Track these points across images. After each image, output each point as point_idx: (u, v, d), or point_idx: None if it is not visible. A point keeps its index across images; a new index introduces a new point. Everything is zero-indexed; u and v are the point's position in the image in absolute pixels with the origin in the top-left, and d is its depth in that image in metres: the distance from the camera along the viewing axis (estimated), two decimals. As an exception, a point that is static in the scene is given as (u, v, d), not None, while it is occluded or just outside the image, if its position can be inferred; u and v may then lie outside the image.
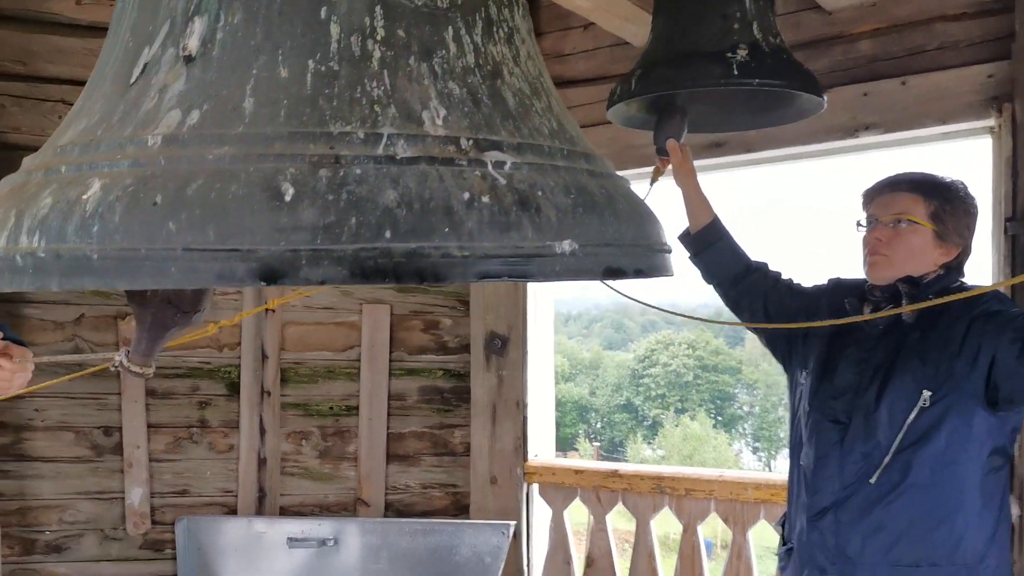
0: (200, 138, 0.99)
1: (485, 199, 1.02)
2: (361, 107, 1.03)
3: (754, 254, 2.42)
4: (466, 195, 1.01)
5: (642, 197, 2.33)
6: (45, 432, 3.50)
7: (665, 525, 3.43)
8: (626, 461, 46.73)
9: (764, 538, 3.30)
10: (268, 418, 3.67)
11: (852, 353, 2.04)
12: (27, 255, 0.96)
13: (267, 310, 3.62)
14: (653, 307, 2.23)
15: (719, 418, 56.85)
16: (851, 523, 1.96)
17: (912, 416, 1.90)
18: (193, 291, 1.44)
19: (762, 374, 57.67)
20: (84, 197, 0.97)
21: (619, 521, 3.48)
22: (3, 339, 1.75)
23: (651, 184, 2.39)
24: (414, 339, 3.81)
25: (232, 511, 3.61)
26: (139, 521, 3.53)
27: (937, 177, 2.08)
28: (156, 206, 0.93)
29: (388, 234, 0.96)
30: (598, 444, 51.12)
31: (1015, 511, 2.72)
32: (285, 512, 3.66)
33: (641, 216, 1.24)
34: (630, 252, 1.16)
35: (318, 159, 0.97)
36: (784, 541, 2.18)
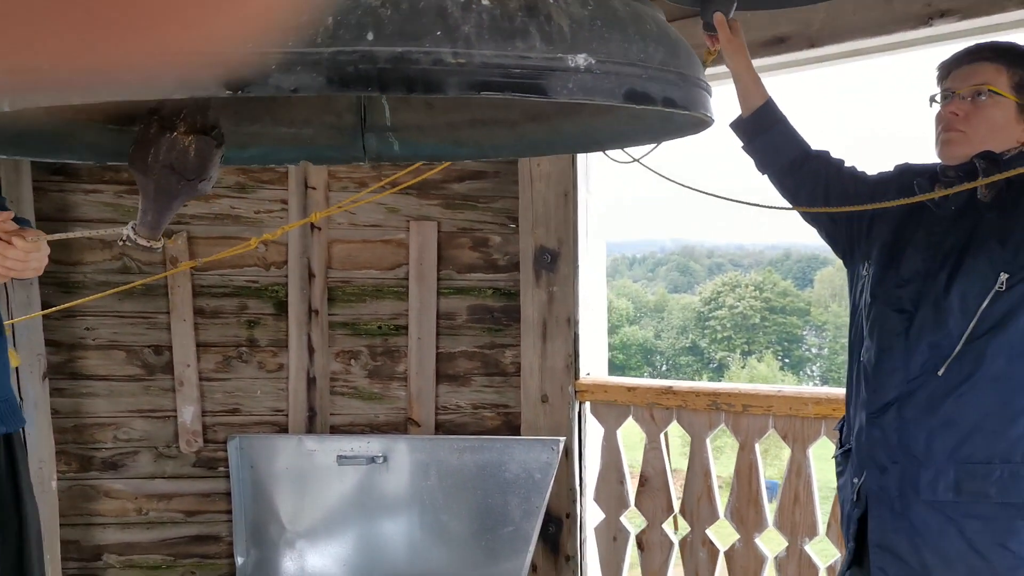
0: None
1: (485, 1, 0.90)
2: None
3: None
4: (463, -5, 0.89)
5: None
6: (97, 351, 3.52)
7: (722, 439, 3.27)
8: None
9: (826, 453, 3.16)
10: (316, 337, 3.63)
11: (921, 238, 1.87)
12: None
13: (312, 226, 3.56)
14: (688, 186, 2.09)
15: (787, 360, 56.13)
16: (916, 419, 1.81)
17: (986, 302, 1.74)
18: (197, 156, 1.35)
19: (831, 316, 56.57)
20: None
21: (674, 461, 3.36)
22: (13, 220, 1.70)
23: (704, 67, 2.22)
24: (463, 257, 3.72)
25: (283, 429, 3.61)
26: (192, 439, 3.55)
27: (1021, 45, 1.87)
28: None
29: (370, 36, 0.84)
30: (663, 387, 50.85)
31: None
32: (336, 431, 3.64)
33: (674, 40, 1.09)
34: (659, 77, 1.02)
35: (292, -46, 0.85)
36: (841, 443, 2.05)
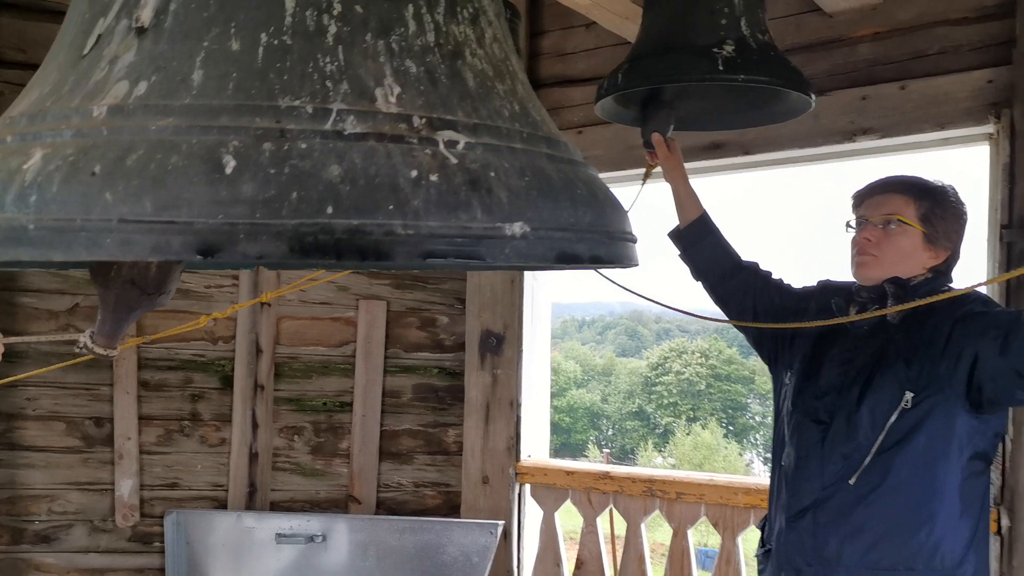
0: (145, 109, 0.98)
1: (433, 177, 1.01)
2: (312, 82, 1.02)
3: (745, 254, 2.40)
4: (414, 173, 0.99)
5: (636, 194, 2.32)
6: (36, 421, 3.50)
7: (662, 534, 3.39)
8: (635, 469, 46.54)
9: (755, 544, 3.26)
10: (261, 412, 3.66)
11: (837, 353, 2.01)
12: (-34, 224, 0.95)
13: (262, 304, 3.61)
14: (644, 297, 2.21)
15: (731, 428, 56.60)
16: (829, 524, 1.93)
17: (894, 417, 1.87)
18: (158, 271, 1.43)
19: (774, 385, 57.23)
20: (24, 167, 0.96)
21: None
22: None
23: (643, 180, 2.38)
24: (410, 336, 3.80)
25: (222, 505, 3.60)
26: (128, 513, 3.52)
27: (928, 180, 2.05)
28: (94, 176, 0.92)
29: (330, 210, 0.94)
30: (608, 451, 50.92)
31: (1004, 522, 2.68)
32: (276, 507, 3.65)
33: (602, 202, 1.21)
34: (587, 238, 1.14)
35: (263, 132, 0.96)
36: (763, 543, 2.16)
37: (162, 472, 3.59)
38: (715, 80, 1.87)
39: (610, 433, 59.72)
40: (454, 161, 1.03)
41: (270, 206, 0.93)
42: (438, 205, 1.00)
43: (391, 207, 0.96)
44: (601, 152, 3.49)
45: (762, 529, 2.20)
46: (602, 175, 3.62)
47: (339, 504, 3.71)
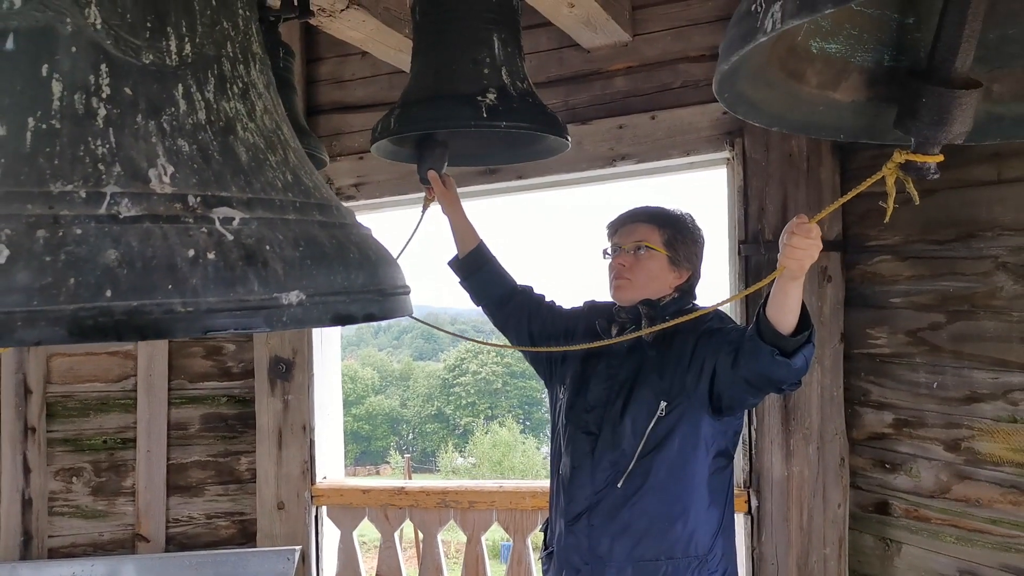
0: (-93, 199, 0.98)
1: (211, 255, 1.07)
2: (84, 166, 1.05)
3: (525, 276, 2.59)
4: (191, 252, 1.05)
5: (414, 225, 2.44)
6: None
7: (457, 533, 3.54)
8: (438, 472, 46.83)
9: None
10: (33, 456, 3.46)
11: (602, 370, 2.23)
12: None
13: (30, 342, 3.41)
14: (433, 327, 2.34)
15: (527, 423, 58.20)
16: (601, 525, 2.14)
17: (651, 425, 2.11)
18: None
19: (566, 379, 59.38)
20: None
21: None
22: None
23: (422, 213, 2.50)
24: (195, 366, 3.72)
25: (-7, 558, 3.38)
26: None
27: (670, 210, 2.32)
28: None
29: (109, 293, 0.99)
30: (409, 456, 50.93)
31: (753, 503, 3.05)
32: (55, 554, 3.46)
33: (373, 262, 1.32)
34: (360, 298, 1.24)
35: (35, 220, 0.99)
36: (546, 545, 2.35)
37: (-80, 530, 3.31)
38: (480, 127, 2.03)
39: (410, 437, 59.71)
40: (230, 238, 1.10)
41: (47, 293, 0.96)
42: (216, 281, 1.06)
43: (170, 286, 1.02)
44: (382, 178, 3.59)
45: (545, 532, 2.39)
46: (384, 199, 3.70)
47: (125, 544, 3.57)
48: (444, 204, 2.45)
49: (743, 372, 1.93)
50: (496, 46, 2.11)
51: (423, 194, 3.70)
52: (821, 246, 1.64)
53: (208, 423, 3.72)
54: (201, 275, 1.06)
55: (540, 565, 2.44)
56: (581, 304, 2.51)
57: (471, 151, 2.49)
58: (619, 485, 2.14)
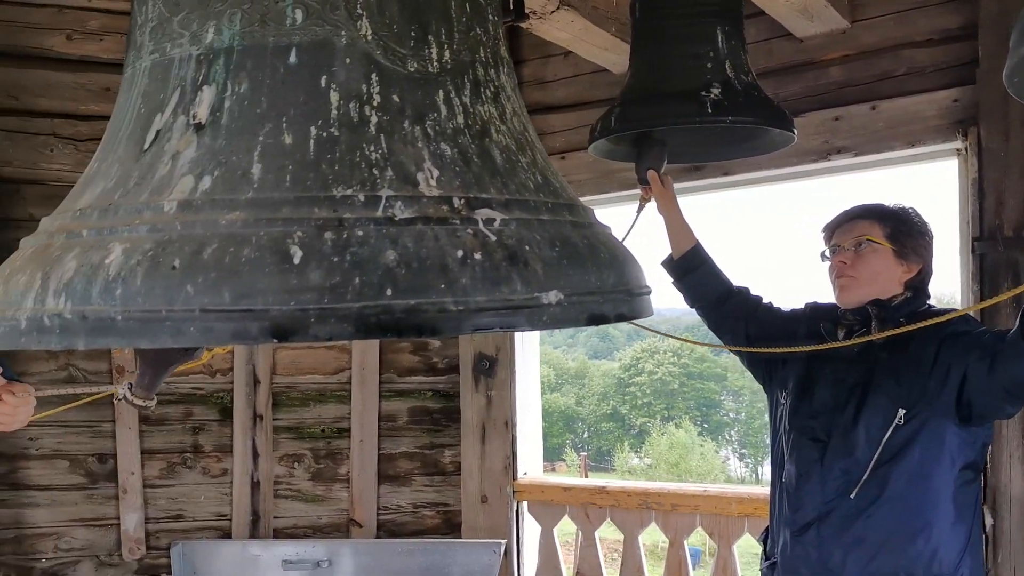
0: (212, 204, 1.06)
1: (477, 256, 1.10)
2: (361, 170, 1.11)
3: (735, 277, 2.52)
4: (460, 253, 1.08)
5: (629, 225, 2.42)
6: (40, 460, 3.54)
7: (653, 534, 3.51)
8: (613, 471, 46.73)
9: (748, 548, 3.39)
10: (261, 442, 3.73)
11: (828, 374, 2.13)
12: (54, 316, 1.03)
13: (258, 336, 3.67)
14: (648, 329, 2.32)
15: (705, 425, 57.01)
16: (832, 537, 2.05)
17: (888, 433, 1.99)
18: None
19: (748, 381, 57.81)
20: (107, 261, 1.03)
21: (605, 531, 3.56)
22: (3, 375, 1.81)
23: (637, 213, 2.48)
24: (403, 361, 3.88)
25: (226, 535, 3.66)
26: (134, 547, 3.57)
27: (888, 205, 2.19)
28: (175, 270, 1.00)
29: (389, 292, 1.03)
30: (585, 454, 51.14)
31: (988, 521, 2.82)
32: (279, 534, 3.71)
33: (621, 262, 1.32)
34: (611, 298, 1.24)
35: (323, 222, 1.04)
36: (767, 556, 2.27)
37: (166, 504, 3.64)
38: (704, 123, 1.99)
39: (586, 436, 59.93)
40: (493, 238, 1.12)
41: (336, 291, 1.02)
42: (483, 281, 1.09)
43: (442, 286, 1.06)
44: (584, 176, 3.60)
45: (764, 543, 2.31)
46: (586, 198, 3.72)
47: (341, 528, 3.78)
48: (661, 204, 2.42)
49: (1001, 379, 1.79)
50: (719, 39, 2.06)
51: (623, 193, 3.72)
52: None
53: (415, 416, 3.87)
54: (470, 275, 1.09)
55: None
56: (802, 306, 2.41)
57: (685, 149, 2.44)
58: (852, 495, 2.04)
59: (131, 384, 1.65)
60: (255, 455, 3.71)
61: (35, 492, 3.53)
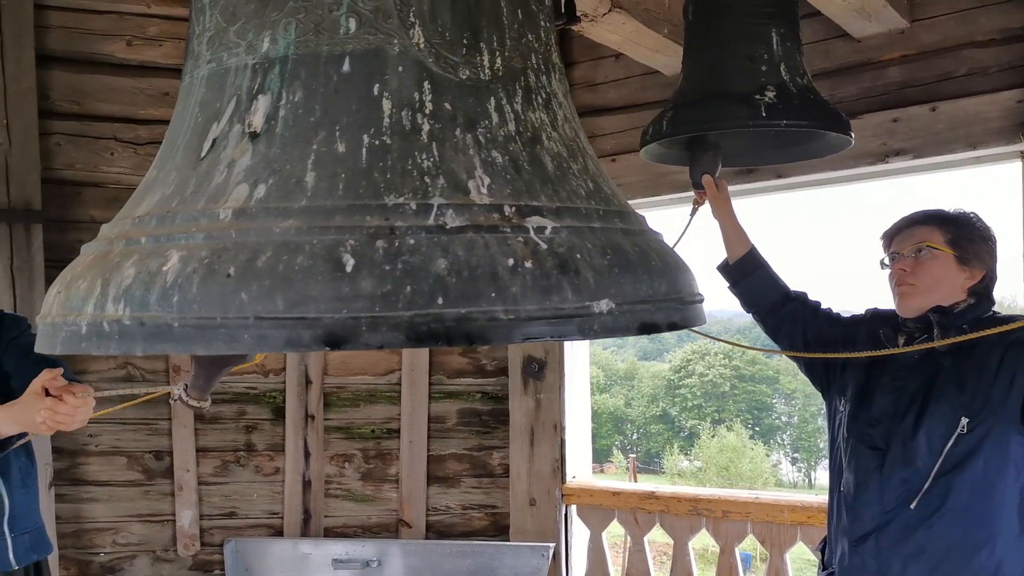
0: (267, 211, 1.07)
1: (528, 264, 1.09)
2: (412, 179, 1.11)
3: (792, 282, 2.47)
4: (510, 261, 1.08)
5: (683, 229, 2.40)
6: (99, 456, 3.63)
7: (703, 538, 3.48)
8: (663, 474, 46.38)
9: (799, 554, 3.33)
10: (312, 441, 3.77)
11: (888, 381, 2.08)
12: (113, 322, 1.04)
13: (310, 337, 3.72)
14: (699, 333, 2.29)
15: (756, 428, 56.25)
16: (892, 548, 2.00)
17: (950, 443, 1.94)
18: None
19: (800, 384, 56.92)
20: (164, 268, 1.05)
21: (655, 534, 3.53)
22: (63, 376, 1.86)
23: (690, 217, 2.46)
24: (452, 363, 3.90)
25: (278, 533, 3.71)
26: (189, 543, 3.64)
27: (949, 210, 2.14)
28: (229, 277, 1.01)
29: (440, 300, 1.03)
30: (634, 456, 50.86)
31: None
32: (329, 533, 3.75)
33: (673, 270, 1.30)
34: (663, 307, 1.23)
35: (374, 230, 1.05)
36: (824, 566, 2.23)
37: (220, 502, 3.70)
38: (758, 127, 1.96)
39: (635, 437, 59.56)
40: (544, 247, 1.12)
41: (387, 300, 1.02)
42: (534, 289, 1.08)
43: (493, 294, 1.05)
44: (635, 179, 3.58)
45: (822, 552, 2.27)
46: (636, 201, 3.70)
47: (390, 528, 3.81)
48: (716, 208, 2.39)
49: None
50: (774, 41, 2.03)
51: (674, 195, 3.68)
52: None
53: (464, 417, 3.88)
54: (520, 283, 1.08)
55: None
56: (862, 312, 2.36)
57: (739, 152, 2.41)
58: (912, 506, 1.99)
59: (186, 385, 1.68)
60: (306, 454, 3.76)
61: (94, 487, 3.63)
